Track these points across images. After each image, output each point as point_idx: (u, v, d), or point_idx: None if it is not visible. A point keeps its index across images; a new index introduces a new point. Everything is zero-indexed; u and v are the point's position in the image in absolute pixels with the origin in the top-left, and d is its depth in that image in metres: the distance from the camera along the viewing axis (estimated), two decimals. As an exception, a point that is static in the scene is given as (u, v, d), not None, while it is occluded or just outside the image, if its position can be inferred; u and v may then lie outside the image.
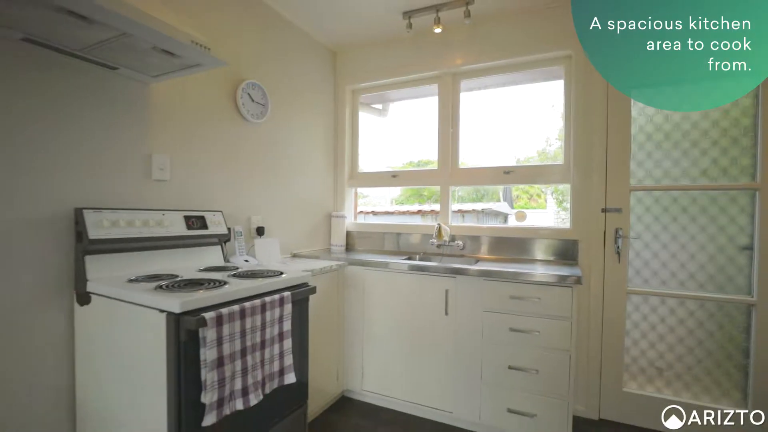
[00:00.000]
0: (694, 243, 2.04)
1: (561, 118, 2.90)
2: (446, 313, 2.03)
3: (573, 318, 1.78)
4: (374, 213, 3.61)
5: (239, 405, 1.22)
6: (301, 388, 1.59)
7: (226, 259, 1.89)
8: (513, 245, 2.41)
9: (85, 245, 1.34)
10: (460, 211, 3.14)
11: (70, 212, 1.37)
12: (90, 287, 1.33)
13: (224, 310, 1.18)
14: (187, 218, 1.69)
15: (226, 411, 1.19)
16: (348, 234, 2.91)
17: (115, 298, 1.25)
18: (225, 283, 1.35)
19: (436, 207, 2.79)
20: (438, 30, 2.34)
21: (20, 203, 1.25)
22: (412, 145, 3.15)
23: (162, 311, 1.12)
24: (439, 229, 2.39)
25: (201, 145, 1.89)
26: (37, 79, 1.29)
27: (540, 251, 2.35)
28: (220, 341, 1.16)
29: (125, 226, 1.44)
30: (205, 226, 1.75)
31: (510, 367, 1.87)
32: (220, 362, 1.16)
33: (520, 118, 2.74)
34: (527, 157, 2.73)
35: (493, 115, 2.71)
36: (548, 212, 3.34)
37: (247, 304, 1.26)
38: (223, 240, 1.87)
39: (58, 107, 1.35)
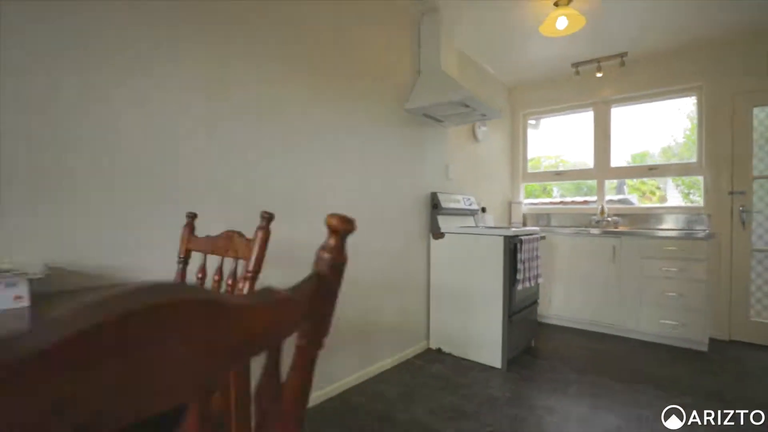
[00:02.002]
0: (807, 215, 2.88)
1: (687, 119, 3.76)
2: (613, 261, 3.15)
3: (707, 259, 2.78)
4: (532, 204, 4.80)
5: (527, 284, 2.53)
6: (536, 291, 2.87)
7: (476, 224, 3.25)
8: (655, 219, 3.43)
9: (438, 210, 2.78)
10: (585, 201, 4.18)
11: (428, 194, 2.83)
12: (443, 229, 2.76)
13: (524, 237, 2.50)
14: (464, 199, 3.08)
15: (520, 287, 2.51)
16: (523, 216, 4.16)
17: (464, 233, 2.65)
18: (512, 227, 2.69)
19: (582, 198, 3.87)
20: (599, 75, 3.46)
21: (410, 190, 2.72)
22: (560, 151, 4.27)
23: (500, 236, 2.47)
24: (602, 208, 3.51)
25: (459, 157, 3.28)
26: (424, 132, 2.77)
27: (679, 223, 3.33)
28: (522, 251, 2.48)
29: (448, 202, 2.86)
30: (471, 204, 3.14)
31: (663, 293, 2.93)
32: (521, 262, 2.49)
33: (650, 120, 3.64)
34: (643, 151, 3.64)
35: (628, 122, 3.70)
36: (670, 204, 4.19)
37: (525, 237, 2.57)
38: (474, 213, 3.25)
39: (421, 144, 2.81)
